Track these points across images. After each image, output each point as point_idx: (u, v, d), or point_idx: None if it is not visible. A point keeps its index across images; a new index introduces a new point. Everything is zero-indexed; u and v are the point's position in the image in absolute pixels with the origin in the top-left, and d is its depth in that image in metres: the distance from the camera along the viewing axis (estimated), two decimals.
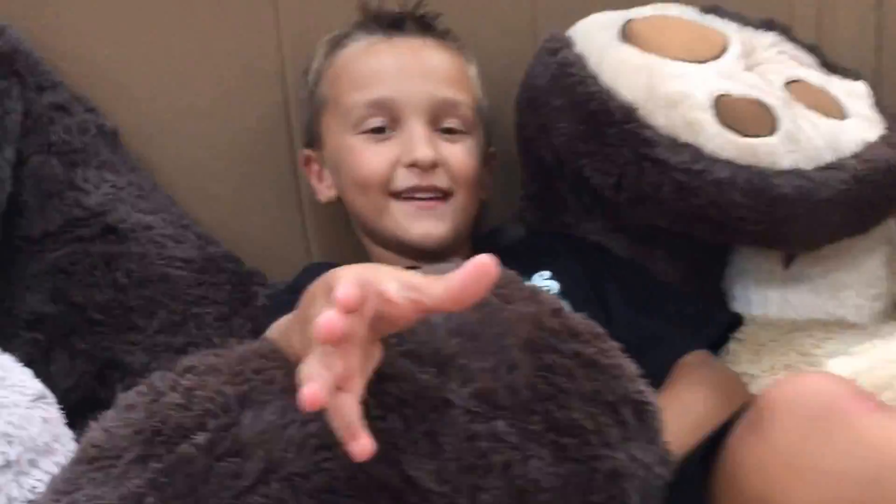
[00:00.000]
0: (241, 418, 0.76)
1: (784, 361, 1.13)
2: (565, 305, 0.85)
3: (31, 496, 0.84)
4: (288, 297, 1.08)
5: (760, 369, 1.13)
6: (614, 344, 0.82)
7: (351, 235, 1.28)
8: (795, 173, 1.08)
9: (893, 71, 1.33)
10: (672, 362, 1.10)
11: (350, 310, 0.62)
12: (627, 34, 1.15)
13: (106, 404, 1.05)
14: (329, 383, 0.62)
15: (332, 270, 0.71)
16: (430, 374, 0.75)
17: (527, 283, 0.84)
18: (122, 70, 1.27)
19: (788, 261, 1.23)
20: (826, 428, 0.77)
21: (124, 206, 1.20)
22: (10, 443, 0.85)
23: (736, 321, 1.19)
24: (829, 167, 1.10)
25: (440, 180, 1.18)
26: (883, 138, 1.16)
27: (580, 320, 0.82)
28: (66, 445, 0.90)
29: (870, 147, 1.13)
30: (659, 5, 1.23)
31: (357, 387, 0.64)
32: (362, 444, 0.63)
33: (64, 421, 0.93)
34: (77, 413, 1.05)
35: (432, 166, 1.17)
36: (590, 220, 1.24)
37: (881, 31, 1.33)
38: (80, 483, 0.77)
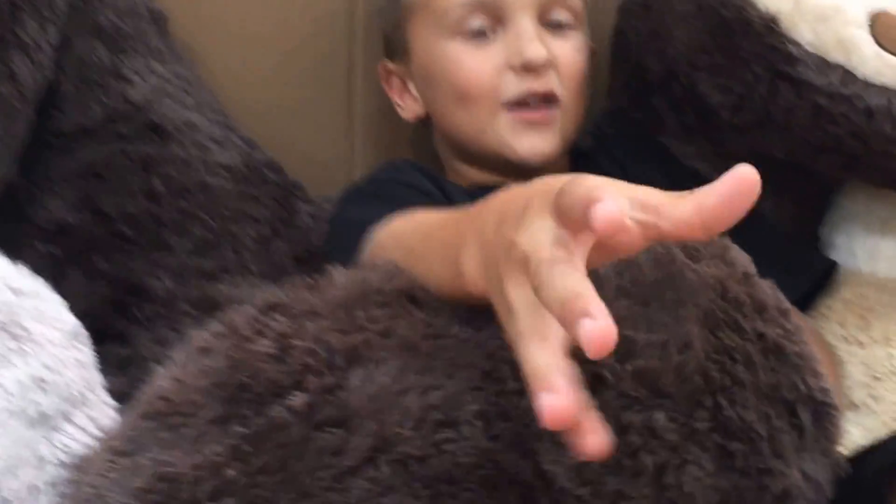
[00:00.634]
0: (349, 379, 0.64)
1: None
2: None
3: (63, 456, 0.74)
4: (367, 194, 1.06)
5: (871, 337, 1.05)
6: (800, 324, 0.69)
7: (399, 153, 1.20)
8: None
9: None
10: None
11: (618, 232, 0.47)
12: None
13: (118, 336, 0.99)
14: (575, 381, 0.48)
15: (542, 179, 0.57)
16: None
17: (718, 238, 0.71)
18: None
19: None
20: None
21: (170, 101, 1.09)
22: (44, 390, 0.75)
23: (830, 269, 1.11)
24: None
25: (552, 83, 1.07)
26: None
27: (769, 290, 0.69)
28: (99, 394, 0.80)
29: None
30: None
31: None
32: (600, 439, 0.48)
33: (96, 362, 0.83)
34: None
35: (546, 67, 1.06)
36: (688, 142, 1.15)
37: None
38: (145, 442, 0.66)
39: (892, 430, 0.99)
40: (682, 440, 0.62)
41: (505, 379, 0.62)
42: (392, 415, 0.62)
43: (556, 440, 0.58)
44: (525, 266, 0.50)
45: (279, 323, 0.68)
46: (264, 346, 0.67)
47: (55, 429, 0.75)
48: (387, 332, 0.66)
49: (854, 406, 1.02)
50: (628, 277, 0.66)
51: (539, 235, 0.51)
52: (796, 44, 1.00)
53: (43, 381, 0.75)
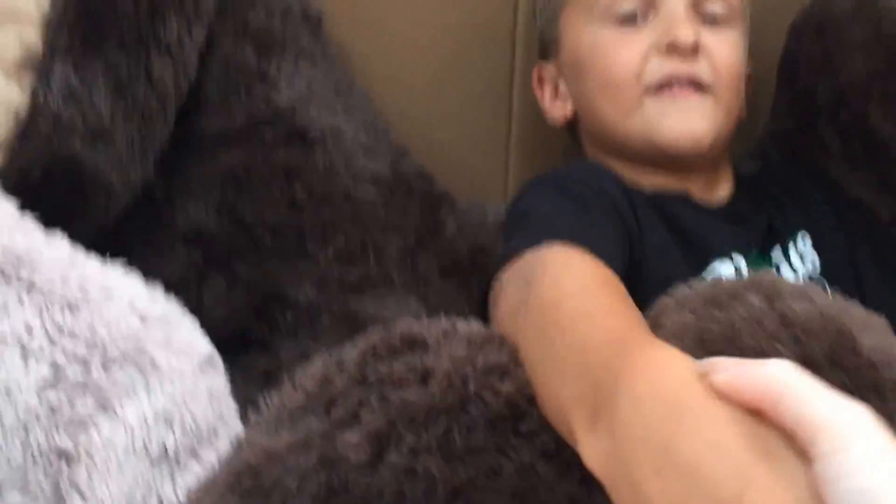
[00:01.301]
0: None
1: None
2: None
3: (182, 500, 0.70)
4: (558, 189, 1.01)
5: None
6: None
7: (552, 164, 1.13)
8: None
9: None
10: None
11: None
12: None
13: (260, 344, 0.95)
14: None
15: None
16: None
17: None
18: None
19: None
20: None
21: (317, 106, 1.04)
22: (170, 426, 0.72)
23: None
24: None
25: (702, 70, 1.02)
26: None
27: (863, 328, 0.69)
28: (231, 425, 0.76)
29: None
30: None
31: None
32: None
33: (229, 388, 0.79)
34: (225, 350, 0.94)
35: (693, 51, 1.01)
36: (852, 171, 1.09)
37: None
38: None
39: None
40: None
41: None
42: None
43: None
44: None
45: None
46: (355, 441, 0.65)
47: (181, 467, 0.70)
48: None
49: None
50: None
51: None
52: None
53: (169, 415, 0.71)
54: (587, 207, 0.98)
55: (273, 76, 1.02)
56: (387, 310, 0.98)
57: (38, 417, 0.67)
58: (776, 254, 1.05)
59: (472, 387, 0.65)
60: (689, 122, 1.02)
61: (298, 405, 0.70)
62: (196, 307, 0.92)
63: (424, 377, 0.67)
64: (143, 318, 0.74)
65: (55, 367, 0.68)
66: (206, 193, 1.00)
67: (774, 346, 0.66)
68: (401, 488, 0.64)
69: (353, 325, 0.96)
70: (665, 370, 0.57)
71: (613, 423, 0.57)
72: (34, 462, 0.66)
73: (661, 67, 1.02)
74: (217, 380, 0.76)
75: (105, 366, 0.69)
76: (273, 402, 0.72)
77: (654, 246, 1.00)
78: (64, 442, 0.67)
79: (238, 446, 0.70)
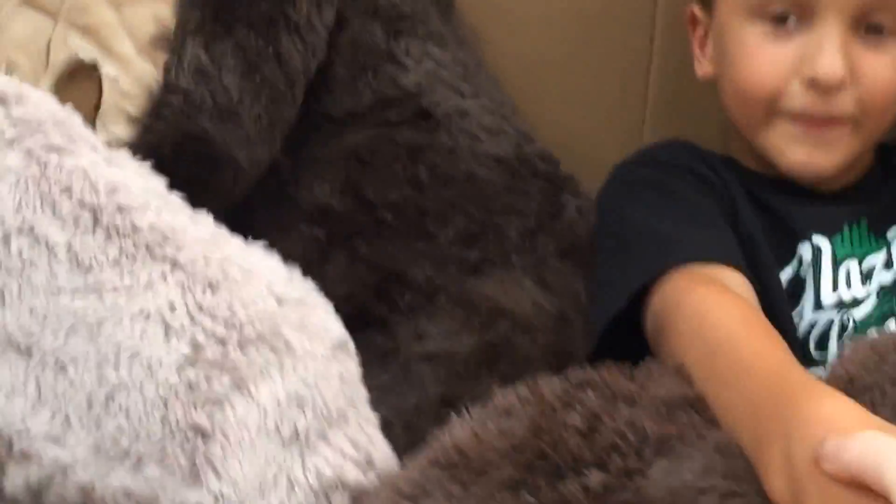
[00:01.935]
0: (652, 468, 0.65)
1: None
2: None
3: (314, 482, 0.70)
4: (644, 181, 1.02)
5: None
6: None
7: None
8: None
9: None
10: None
11: None
12: None
13: (379, 324, 0.96)
14: None
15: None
16: None
17: None
18: None
19: None
20: None
21: (443, 88, 1.03)
22: (300, 408, 0.72)
23: None
24: None
25: (843, 105, 0.95)
26: None
27: None
28: (360, 411, 0.76)
29: None
30: None
31: None
32: None
33: (360, 372, 0.79)
34: (347, 329, 0.95)
35: (838, 88, 0.94)
36: None
37: None
38: (431, 490, 0.67)
39: None
40: None
41: None
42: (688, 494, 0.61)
43: None
44: None
45: (591, 400, 0.69)
46: (573, 418, 0.67)
47: (310, 449, 0.71)
48: (702, 435, 0.67)
49: None
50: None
51: None
52: None
53: (301, 397, 0.71)
54: (694, 204, 0.97)
55: (401, 57, 1.02)
56: (503, 292, 0.98)
57: (176, 394, 0.67)
58: (893, 233, 1.02)
59: None
60: (817, 156, 0.98)
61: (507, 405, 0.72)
62: (318, 285, 0.94)
63: None
64: (279, 301, 0.74)
65: (195, 345, 0.68)
66: (331, 172, 1.01)
67: None
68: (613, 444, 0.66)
69: (468, 307, 0.97)
70: (831, 414, 0.60)
71: (792, 471, 0.60)
72: (172, 437, 0.67)
73: (800, 98, 0.96)
74: (349, 364, 0.76)
75: (241, 346, 0.70)
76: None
77: (745, 226, 0.98)
78: (201, 419, 0.67)
79: (443, 430, 0.72)
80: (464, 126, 1.03)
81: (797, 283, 0.98)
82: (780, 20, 0.96)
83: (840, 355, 0.75)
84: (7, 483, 0.69)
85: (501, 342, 0.95)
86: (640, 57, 1.17)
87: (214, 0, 0.95)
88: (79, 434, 0.67)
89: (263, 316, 0.72)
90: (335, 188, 1.01)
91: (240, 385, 0.69)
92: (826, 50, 0.93)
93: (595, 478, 0.64)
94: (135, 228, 0.70)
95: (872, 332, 0.86)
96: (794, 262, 0.99)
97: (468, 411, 0.73)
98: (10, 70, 0.96)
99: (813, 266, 0.98)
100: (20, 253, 0.69)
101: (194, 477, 0.66)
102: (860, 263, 0.99)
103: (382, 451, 0.76)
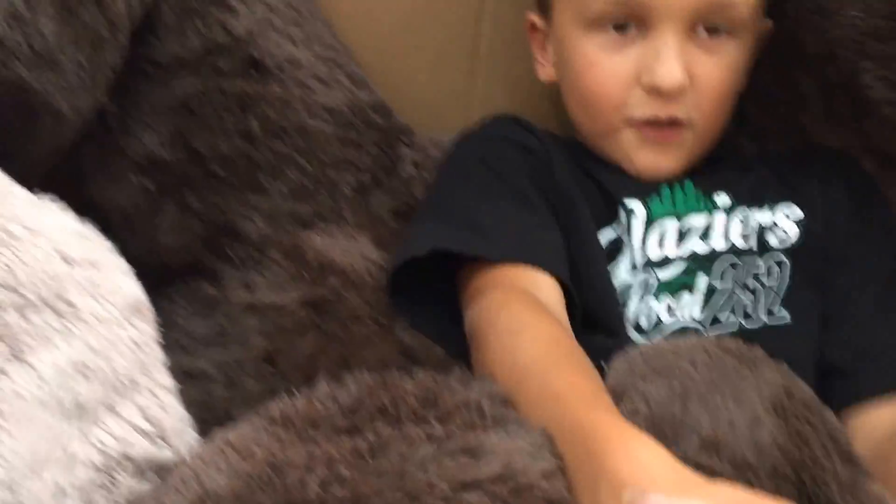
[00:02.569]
0: (490, 432, 0.68)
1: None
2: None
3: (97, 458, 0.68)
4: (476, 157, 1.03)
5: None
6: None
7: (521, 99, 1.13)
8: None
9: None
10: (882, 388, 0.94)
11: None
12: None
13: (210, 276, 0.94)
14: None
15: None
16: None
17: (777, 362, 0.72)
18: None
19: None
20: None
21: (275, 35, 1.01)
22: (85, 377, 0.69)
23: None
24: None
25: (682, 109, 0.99)
26: None
27: (833, 415, 0.70)
28: (153, 377, 0.73)
29: None
30: None
31: None
32: None
33: (158, 337, 0.76)
34: (176, 279, 0.93)
35: (678, 93, 0.97)
36: (832, 131, 1.07)
37: None
38: (264, 440, 0.66)
39: None
40: None
41: None
42: (524, 459, 0.64)
43: None
44: None
45: (424, 378, 0.71)
46: (410, 388, 0.70)
47: (94, 422, 0.68)
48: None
49: None
50: (679, 387, 0.68)
51: None
52: None
53: (86, 366, 0.69)
54: (522, 192, 0.99)
55: (231, 4, 0.99)
56: (335, 247, 0.96)
57: None
58: (722, 200, 1.03)
59: None
60: (662, 160, 1.01)
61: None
62: (149, 234, 0.92)
63: None
64: (67, 261, 0.70)
65: None
66: (160, 122, 0.98)
67: None
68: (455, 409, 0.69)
69: (298, 261, 0.96)
70: (636, 469, 0.60)
71: None
72: None
73: (643, 106, 0.99)
74: (143, 328, 0.73)
75: (21, 311, 0.67)
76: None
77: (563, 188, 1.01)
78: None
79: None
80: (296, 76, 1.01)
81: (616, 244, 1.00)
82: (619, 28, 0.98)
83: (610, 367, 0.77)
84: None
85: (330, 297, 0.94)
86: (472, 9, 1.16)
87: None
88: None
89: (47, 278, 0.68)
90: (164, 138, 0.98)
91: (17, 353, 0.66)
92: (664, 57, 0.95)
93: (437, 428, 0.66)
94: None
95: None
96: (615, 224, 1.00)
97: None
98: None
99: (627, 228, 0.99)
100: None
101: None
102: (679, 221, 1.01)
103: (176, 419, 0.73)
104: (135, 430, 0.70)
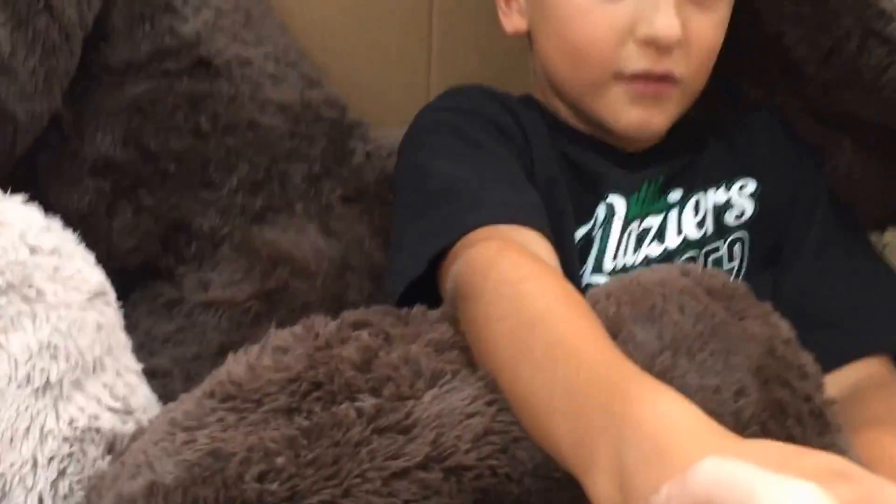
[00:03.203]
0: (424, 394, 0.69)
1: None
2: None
3: (67, 431, 0.75)
4: (446, 128, 1.00)
5: None
6: (834, 397, 0.71)
7: None
8: None
9: None
10: (847, 357, 0.97)
11: None
12: None
13: (167, 274, 1.00)
14: None
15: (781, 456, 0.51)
16: None
17: (761, 302, 0.74)
18: None
19: None
20: None
21: (223, 37, 1.07)
22: (53, 357, 0.76)
23: None
24: None
25: (678, 65, 0.96)
26: None
27: (810, 358, 0.72)
28: (119, 359, 0.81)
29: None
30: None
31: None
32: None
33: (122, 322, 0.83)
34: (136, 280, 0.98)
35: (674, 46, 0.95)
36: (769, 93, 1.10)
37: None
38: (206, 420, 0.69)
39: None
40: None
41: None
42: (454, 430, 0.66)
43: None
44: None
45: (366, 338, 0.72)
46: (348, 353, 0.70)
47: (63, 398, 0.75)
48: (473, 372, 0.70)
49: None
50: (669, 336, 0.68)
51: None
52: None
53: (55, 346, 0.75)
54: (498, 158, 0.97)
55: (178, 6, 1.05)
56: (285, 239, 1.02)
57: None
58: (674, 196, 1.04)
59: None
60: (652, 116, 0.99)
61: (283, 343, 0.75)
62: (106, 237, 0.98)
63: None
64: (33, 250, 0.78)
65: None
66: (113, 124, 1.04)
67: None
68: (388, 376, 0.70)
69: (250, 255, 1.03)
70: (663, 422, 0.56)
71: (622, 477, 0.56)
72: None
73: (636, 59, 0.96)
74: (107, 313, 0.80)
75: None
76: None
77: (544, 178, 0.99)
78: None
79: (219, 367, 0.74)
80: (245, 74, 1.07)
81: (587, 244, 1.00)
82: None
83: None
84: None
85: (280, 288, 1.00)
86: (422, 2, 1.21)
87: None
88: None
89: (14, 265, 0.75)
90: (117, 140, 1.04)
91: None
92: (663, 9, 0.94)
93: (368, 402, 0.68)
94: None
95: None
96: (591, 222, 1.00)
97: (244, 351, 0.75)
98: None
99: (603, 227, 0.99)
100: None
101: None
102: (640, 223, 1.01)
103: (142, 398, 0.80)
104: (102, 406, 0.77)
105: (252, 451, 0.65)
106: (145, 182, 1.04)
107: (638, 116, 0.98)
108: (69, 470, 0.75)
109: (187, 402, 0.73)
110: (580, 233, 0.99)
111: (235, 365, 0.73)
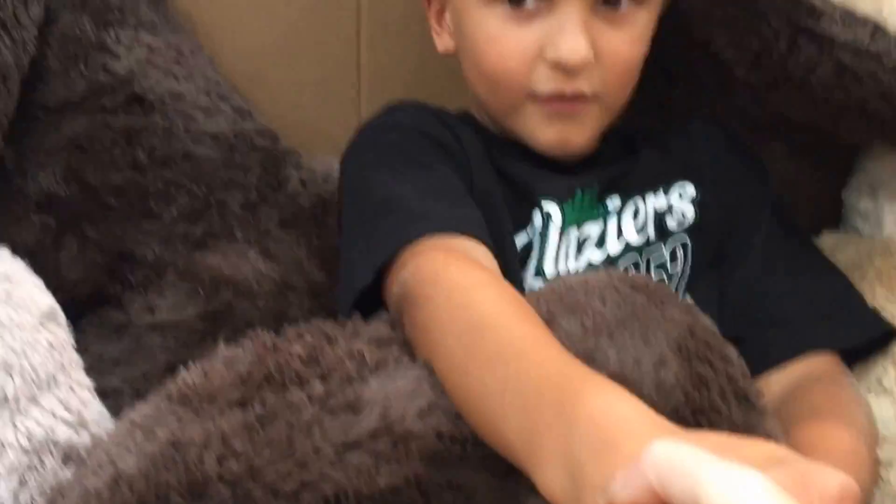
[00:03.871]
0: (370, 380, 0.76)
1: None
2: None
3: (25, 443, 0.83)
4: (386, 144, 1.04)
5: None
6: (762, 390, 0.76)
7: None
8: None
9: None
10: (792, 353, 1.01)
11: None
12: None
13: (115, 301, 1.07)
14: None
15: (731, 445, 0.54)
16: None
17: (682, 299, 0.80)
18: None
19: None
20: None
21: (156, 72, 1.16)
22: (9, 374, 0.84)
23: (888, 337, 1.03)
24: None
25: (587, 84, 0.99)
26: None
27: (732, 349, 0.76)
28: (71, 375, 0.89)
29: None
30: None
31: None
32: None
33: (73, 342, 0.92)
34: (85, 307, 1.05)
35: (582, 67, 0.98)
36: (699, 99, 1.15)
37: None
38: (164, 418, 0.76)
39: None
40: None
41: None
42: (401, 403, 0.73)
43: None
44: None
45: (311, 338, 0.80)
46: (295, 349, 0.78)
47: (21, 412, 0.82)
48: (413, 361, 0.78)
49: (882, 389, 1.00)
50: (590, 323, 0.74)
51: None
52: None
53: (9, 364, 0.84)
54: (438, 174, 1.00)
55: (111, 46, 1.14)
56: (226, 263, 1.11)
57: None
58: (613, 203, 1.07)
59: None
60: (569, 133, 1.02)
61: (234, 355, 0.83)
62: (53, 270, 1.06)
63: None
64: None
65: None
66: (53, 161, 1.12)
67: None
68: (334, 367, 0.78)
69: (194, 279, 1.12)
70: (612, 414, 0.60)
71: (574, 468, 0.59)
72: None
73: (547, 81, 0.99)
74: (58, 333, 0.89)
75: None
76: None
77: (481, 189, 1.03)
78: None
79: (175, 375, 0.82)
80: (178, 107, 1.16)
81: (527, 249, 1.03)
82: (517, 1, 0.99)
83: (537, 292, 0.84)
84: None
85: (224, 309, 1.09)
86: (350, 31, 1.31)
87: None
88: None
89: None
90: (59, 176, 1.13)
91: None
92: (568, 31, 0.96)
93: (317, 387, 0.76)
94: None
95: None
96: (529, 228, 1.04)
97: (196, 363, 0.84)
98: None
99: (541, 234, 1.03)
100: None
101: None
102: (578, 229, 1.04)
103: (95, 412, 0.89)
104: (57, 419, 0.86)
105: (210, 438, 0.72)
106: (88, 215, 1.12)
107: (556, 134, 1.02)
108: (29, 481, 0.83)
109: (145, 407, 0.81)
110: (520, 240, 1.03)
111: (189, 373, 0.81)
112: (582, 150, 1.05)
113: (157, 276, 1.13)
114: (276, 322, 1.05)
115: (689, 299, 1.03)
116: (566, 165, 1.07)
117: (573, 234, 1.04)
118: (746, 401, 0.73)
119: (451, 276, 0.82)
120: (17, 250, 0.98)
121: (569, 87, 0.99)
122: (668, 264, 1.06)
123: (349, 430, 0.73)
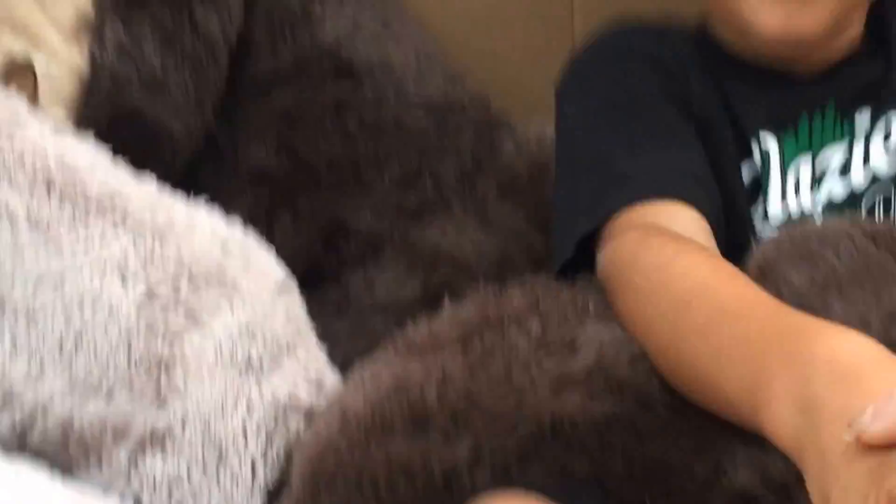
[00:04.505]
0: (587, 324, 0.80)
1: None
2: None
3: (269, 403, 0.87)
4: (601, 75, 1.04)
5: None
6: None
7: None
8: None
9: None
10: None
11: None
12: None
13: (332, 275, 1.10)
14: None
15: None
16: None
17: None
18: None
19: None
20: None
21: (363, 41, 1.19)
22: (252, 339, 0.88)
23: None
24: None
25: None
26: None
27: None
28: (308, 342, 0.93)
29: None
30: None
31: None
32: None
33: (305, 310, 0.96)
34: (302, 290, 1.09)
35: None
36: None
37: None
38: (389, 364, 0.82)
39: None
40: None
41: None
42: (615, 349, 0.77)
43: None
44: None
45: (534, 288, 0.85)
46: (516, 297, 0.83)
47: (265, 375, 0.88)
48: None
49: None
50: (820, 275, 0.75)
51: None
52: None
53: (252, 330, 0.89)
54: (653, 113, 0.97)
55: (317, 15, 1.18)
56: (444, 236, 1.14)
57: (138, 331, 0.84)
58: (862, 120, 1.00)
59: None
60: (798, 17, 0.94)
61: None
62: (268, 244, 1.07)
63: None
64: (224, 248, 0.91)
65: (149, 287, 0.85)
66: (265, 134, 1.16)
67: None
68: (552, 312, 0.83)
69: (411, 253, 1.14)
70: (851, 352, 0.61)
71: (807, 402, 0.60)
72: (137, 369, 0.84)
73: None
74: (292, 301, 0.94)
75: (193, 286, 0.86)
76: None
77: (701, 112, 0.99)
78: (163, 351, 0.84)
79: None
80: (387, 74, 1.19)
81: (755, 185, 1.00)
82: None
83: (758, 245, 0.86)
84: None
85: (443, 286, 1.09)
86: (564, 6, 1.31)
87: None
88: (54, 374, 0.82)
89: (210, 261, 0.89)
90: (270, 150, 1.17)
91: (195, 320, 0.85)
92: None
93: (535, 327, 0.80)
94: (85, 190, 0.86)
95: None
96: (751, 160, 1.00)
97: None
98: None
99: (762, 170, 0.99)
100: None
101: (161, 402, 0.82)
102: (814, 160, 0.99)
103: (331, 376, 0.93)
104: (300, 381, 0.90)
105: (430, 375, 0.78)
106: (301, 189, 1.16)
107: (781, 17, 0.93)
108: (276, 440, 0.87)
109: (374, 359, 0.86)
110: (747, 170, 1.00)
111: (416, 326, 0.87)
112: (812, 39, 0.96)
113: (373, 250, 1.16)
114: None
115: None
116: (801, 80, 1.01)
117: (804, 165, 0.99)
118: None
119: (647, 256, 0.83)
120: None
121: None
122: None
123: (565, 366, 0.77)
